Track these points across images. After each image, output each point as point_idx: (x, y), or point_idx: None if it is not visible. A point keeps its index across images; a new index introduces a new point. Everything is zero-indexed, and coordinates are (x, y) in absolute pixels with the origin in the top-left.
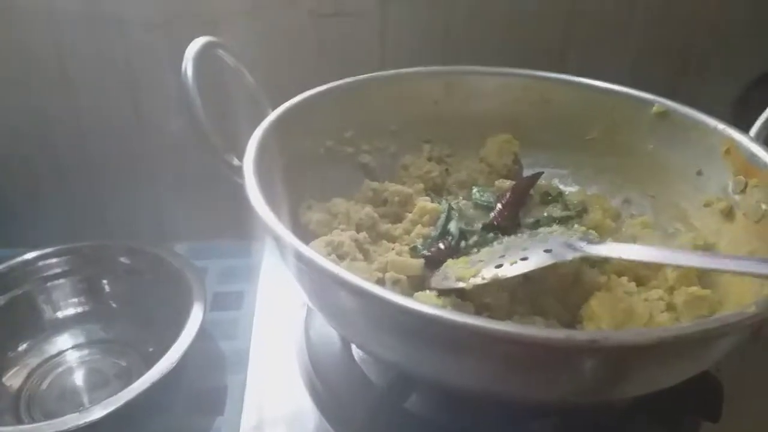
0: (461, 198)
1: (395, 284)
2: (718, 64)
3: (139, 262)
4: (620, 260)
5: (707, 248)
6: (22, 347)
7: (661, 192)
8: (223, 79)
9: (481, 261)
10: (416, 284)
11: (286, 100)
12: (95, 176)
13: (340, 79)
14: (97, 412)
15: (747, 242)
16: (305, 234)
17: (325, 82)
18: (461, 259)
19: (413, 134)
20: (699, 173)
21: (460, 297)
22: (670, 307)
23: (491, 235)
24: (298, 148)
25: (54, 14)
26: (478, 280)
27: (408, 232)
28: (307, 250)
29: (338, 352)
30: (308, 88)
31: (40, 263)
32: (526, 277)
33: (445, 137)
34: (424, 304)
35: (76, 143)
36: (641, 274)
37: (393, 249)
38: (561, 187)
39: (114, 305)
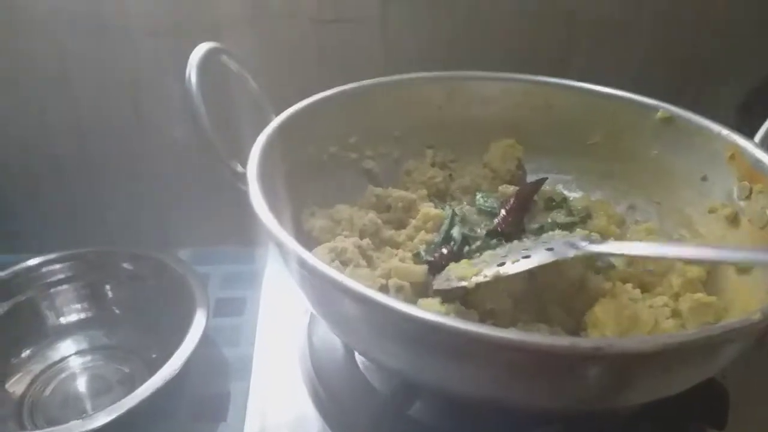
0: (465, 203)
1: (399, 291)
2: (723, 68)
3: (142, 268)
4: (623, 256)
5: None
6: (26, 353)
7: (665, 198)
8: (227, 85)
9: (484, 262)
10: (420, 291)
11: (290, 106)
12: (97, 182)
13: (343, 85)
14: (101, 419)
15: (752, 248)
16: (308, 240)
17: (327, 88)
18: (463, 261)
19: (416, 140)
20: (704, 179)
21: (464, 304)
22: (676, 314)
23: (495, 241)
24: (302, 154)
25: (56, 22)
26: (480, 278)
27: (411, 238)
28: (310, 258)
29: (341, 359)
30: (311, 94)
31: (44, 269)
32: (530, 284)
33: (448, 143)
34: (428, 312)
35: (78, 149)
36: (646, 280)
37: (396, 255)
38: (565, 192)
39: (117, 311)
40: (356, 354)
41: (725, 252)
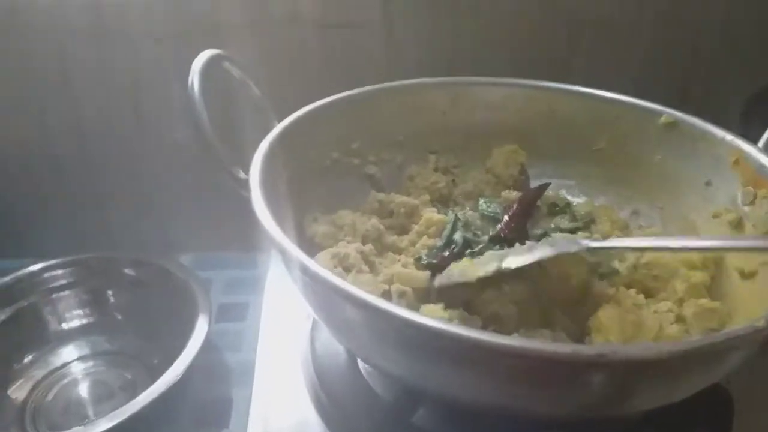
0: (468, 209)
1: (401, 297)
2: (723, 69)
3: (144, 273)
4: (625, 249)
5: (716, 260)
6: (28, 359)
7: (669, 203)
8: (230, 91)
9: (486, 260)
10: (422, 297)
11: (292, 112)
12: (98, 185)
13: (346, 90)
14: (103, 425)
15: (757, 254)
16: (311, 246)
17: (330, 94)
18: (465, 259)
19: (419, 145)
20: (708, 184)
21: (467, 310)
22: (680, 320)
23: (497, 247)
24: (304, 160)
25: (59, 28)
26: (480, 273)
27: (414, 244)
28: (312, 264)
29: (344, 365)
30: (314, 100)
31: (46, 275)
32: (534, 290)
33: (451, 148)
34: (430, 318)
35: (78, 150)
36: (650, 286)
37: (399, 261)
38: (568, 198)
39: (119, 317)
40: (359, 360)
41: (723, 241)
